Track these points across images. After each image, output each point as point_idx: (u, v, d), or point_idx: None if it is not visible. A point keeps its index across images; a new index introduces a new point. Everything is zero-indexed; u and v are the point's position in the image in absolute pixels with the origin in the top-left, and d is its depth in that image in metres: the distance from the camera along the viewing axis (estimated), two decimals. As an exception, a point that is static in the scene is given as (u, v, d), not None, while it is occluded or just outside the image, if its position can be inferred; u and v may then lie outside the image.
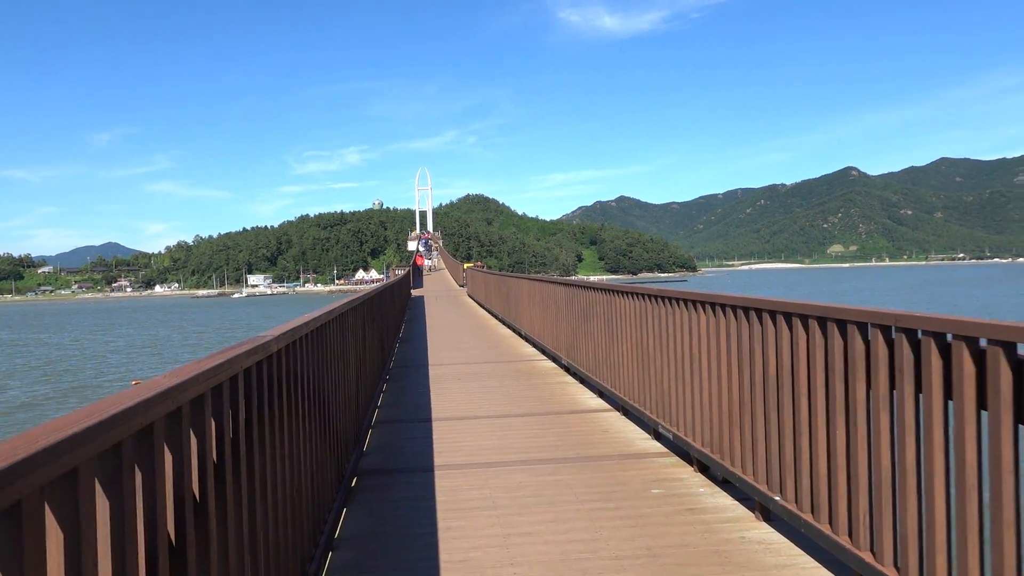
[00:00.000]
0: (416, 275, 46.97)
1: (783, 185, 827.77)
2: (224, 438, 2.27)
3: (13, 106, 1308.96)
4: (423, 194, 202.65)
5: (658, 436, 6.48)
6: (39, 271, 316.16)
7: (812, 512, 3.80)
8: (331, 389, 4.82)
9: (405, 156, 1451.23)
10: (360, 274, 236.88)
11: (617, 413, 7.72)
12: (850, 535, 3.47)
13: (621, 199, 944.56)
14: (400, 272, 34.95)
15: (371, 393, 8.03)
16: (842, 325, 3.50)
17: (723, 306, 4.90)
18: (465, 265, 42.97)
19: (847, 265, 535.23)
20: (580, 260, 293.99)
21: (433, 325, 19.51)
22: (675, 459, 5.83)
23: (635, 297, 6.97)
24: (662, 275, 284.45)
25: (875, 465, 3.25)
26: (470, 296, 31.06)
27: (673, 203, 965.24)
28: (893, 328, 3.11)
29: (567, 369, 10.43)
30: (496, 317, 20.05)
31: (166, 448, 1.82)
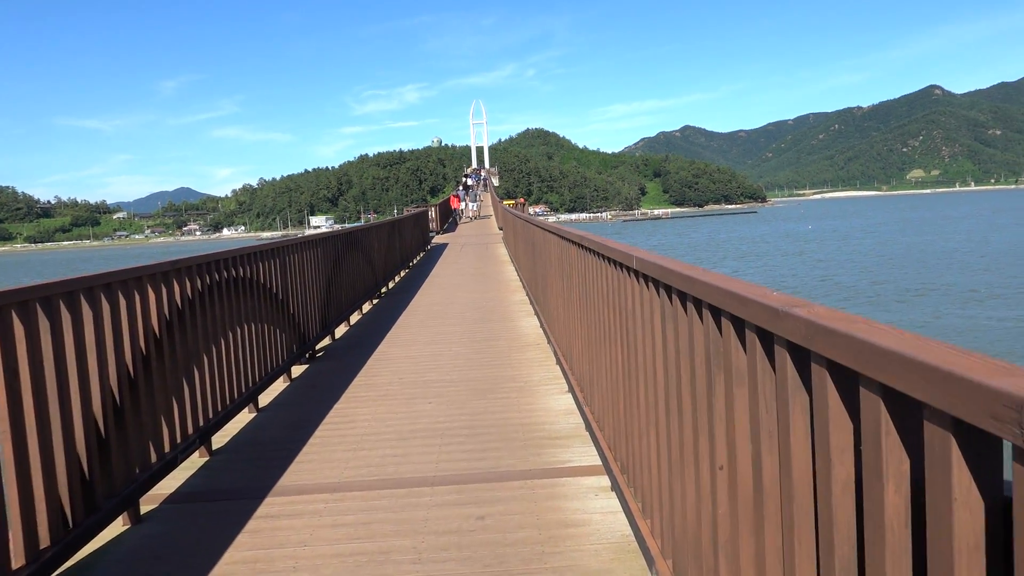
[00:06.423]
0: (448, 219, 39.78)
1: (859, 108, 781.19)
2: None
3: (82, 57, 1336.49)
4: (478, 128, 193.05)
5: None
6: (114, 216, 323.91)
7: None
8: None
9: (464, 92, 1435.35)
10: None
11: None
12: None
13: (685, 128, 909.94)
14: (410, 212, 27.75)
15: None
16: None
17: None
18: (505, 202, 35.43)
19: (928, 191, 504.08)
20: (644, 193, 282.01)
21: (418, 305, 12.50)
22: None
23: None
24: (729, 207, 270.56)
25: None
26: (506, 246, 23.90)
27: (740, 131, 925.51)
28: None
29: (642, 551, 3.14)
30: (525, 289, 12.91)
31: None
